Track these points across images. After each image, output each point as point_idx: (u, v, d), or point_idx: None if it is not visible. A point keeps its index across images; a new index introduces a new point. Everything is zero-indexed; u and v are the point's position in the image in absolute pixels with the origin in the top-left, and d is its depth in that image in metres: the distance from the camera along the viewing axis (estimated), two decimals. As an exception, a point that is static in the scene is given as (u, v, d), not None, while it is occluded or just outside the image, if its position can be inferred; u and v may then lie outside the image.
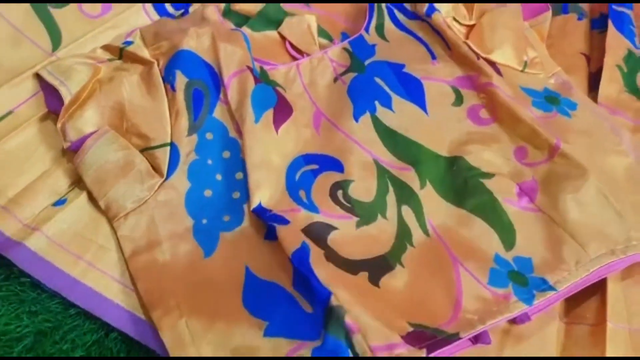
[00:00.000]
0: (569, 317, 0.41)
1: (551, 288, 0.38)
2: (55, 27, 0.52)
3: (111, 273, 0.42)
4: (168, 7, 0.56)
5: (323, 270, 0.37)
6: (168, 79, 0.47)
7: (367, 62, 0.52)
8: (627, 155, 0.46)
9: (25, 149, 0.47)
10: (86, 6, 0.53)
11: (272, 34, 0.56)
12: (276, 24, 0.57)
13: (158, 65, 0.48)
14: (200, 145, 0.46)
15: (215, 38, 0.49)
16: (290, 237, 0.39)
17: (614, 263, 0.39)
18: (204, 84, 0.47)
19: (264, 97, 0.48)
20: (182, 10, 0.56)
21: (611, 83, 0.53)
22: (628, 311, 0.40)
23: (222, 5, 0.58)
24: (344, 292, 0.36)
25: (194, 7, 0.57)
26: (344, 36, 0.57)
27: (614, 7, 0.57)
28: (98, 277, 0.41)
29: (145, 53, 0.49)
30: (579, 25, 0.59)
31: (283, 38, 0.56)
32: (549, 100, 0.49)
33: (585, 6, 0.61)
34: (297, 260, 0.38)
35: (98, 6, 0.54)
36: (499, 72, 0.50)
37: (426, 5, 0.52)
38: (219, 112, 0.47)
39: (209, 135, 0.46)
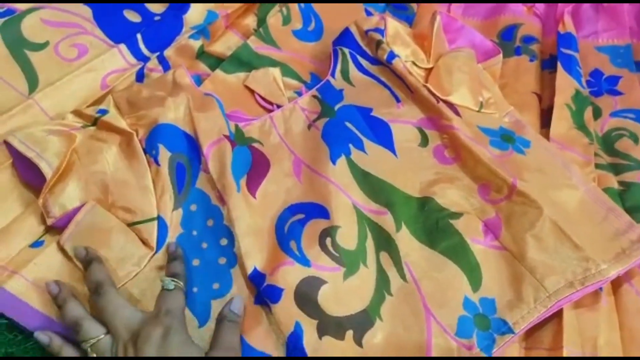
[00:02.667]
0: (528, 342, 0.44)
1: (510, 330, 0.41)
2: (32, 70, 0.53)
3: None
4: (143, 49, 0.57)
5: (317, 354, 0.40)
6: (151, 152, 0.48)
7: (336, 107, 0.54)
8: (577, 188, 0.49)
9: (1, 192, 0.47)
10: (62, 50, 0.55)
11: (245, 76, 0.58)
12: (248, 65, 0.59)
13: (137, 136, 0.49)
14: (185, 218, 0.47)
15: (191, 108, 0.50)
16: (284, 317, 0.41)
17: (572, 294, 0.42)
18: (185, 156, 0.48)
19: (240, 163, 0.49)
20: (157, 53, 0.58)
21: (561, 121, 0.56)
22: (582, 337, 0.43)
23: (196, 48, 0.60)
24: None
25: (168, 51, 0.58)
26: (313, 76, 0.60)
27: (562, 50, 0.62)
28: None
29: (122, 123, 0.50)
30: (530, 66, 0.63)
31: (251, 91, 0.58)
32: (505, 138, 0.52)
33: (535, 48, 0.65)
34: (293, 344, 0.40)
35: (74, 50, 0.55)
36: (457, 113, 0.52)
37: (387, 51, 0.55)
38: (200, 182, 0.48)
39: (193, 207, 0.47)
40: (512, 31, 0.67)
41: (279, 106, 0.56)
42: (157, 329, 0.38)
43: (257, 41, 0.61)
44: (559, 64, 0.60)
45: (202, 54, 0.61)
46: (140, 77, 0.57)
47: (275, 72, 0.58)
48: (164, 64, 0.58)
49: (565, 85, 0.59)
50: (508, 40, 0.66)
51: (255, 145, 0.52)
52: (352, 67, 0.58)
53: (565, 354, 0.41)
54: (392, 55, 0.55)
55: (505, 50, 0.62)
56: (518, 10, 0.68)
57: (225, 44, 0.61)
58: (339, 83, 0.57)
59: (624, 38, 0.67)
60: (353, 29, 0.59)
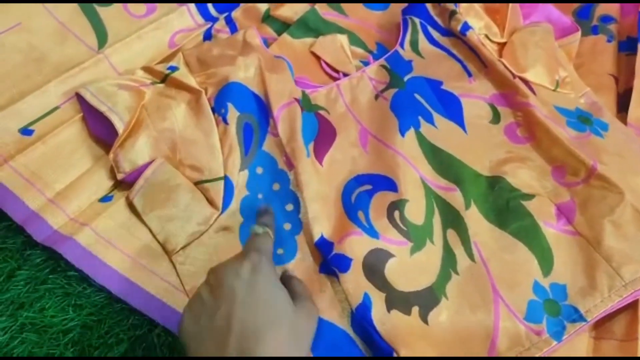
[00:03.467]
0: (598, 332, 0.43)
1: (582, 318, 0.40)
2: (101, 25, 0.53)
3: (159, 272, 0.43)
4: (211, 10, 0.57)
5: (384, 327, 0.39)
6: (219, 111, 0.47)
7: (406, 78, 0.53)
8: (655, 176, 0.47)
9: (70, 145, 0.48)
10: (131, 6, 0.54)
11: (312, 41, 0.57)
12: (315, 31, 0.58)
13: (206, 94, 0.48)
14: (251, 180, 0.46)
15: (262, 68, 0.49)
16: (353, 287, 0.40)
17: None
18: (254, 117, 0.48)
19: (309, 129, 0.48)
20: (225, 14, 0.57)
21: (640, 105, 0.54)
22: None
23: (262, 12, 0.58)
24: (405, 349, 0.38)
25: (236, 12, 0.57)
26: (379, 46, 0.58)
27: (643, 31, 0.59)
28: (144, 274, 0.42)
29: (192, 81, 0.49)
30: (608, 47, 0.60)
31: (317, 57, 0.56)
32: (582, 120, 0.50)
33: (613, 29, 0.62)
34: (360, 315, 0.39)
35: (143, 6, 0.55)
36: (533, 91, 0.50)
37: (461, 22, 0.53)
38: (267, 145, 0.47)
39: (259, 170, 0.47)
40: (589, 9, 0.64)
41: (345, 74, 0.54)
42: (246, 263, 0.35)
43: (324, 7, 0.59)
44: (639, 46, 0.57)
45: (268, 18, 0.60)
46: (207, 37, 0.56)
47: (343, 39, 0.56)
48: (231, 25, 0.57)
49: (645, 68, 0.56)
50: (585, 19, 0.63)
51: (322, 112, 0.51)
52: (422, 37, 0.56)
53: (639, 345, 0.40)
54: (466, 27, 0.53)
55: (582, 29, 0.59)
56: (595, -13, 0.65)
57: (292, 9, 0.60)
58: (408, 54, 0.55)
59: None
60: (425, -2, 0.57)
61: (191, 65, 0.50)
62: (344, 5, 0.60)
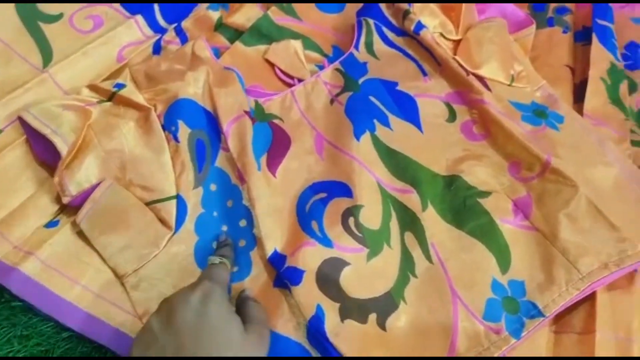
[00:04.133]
0: (558, 326, 0.43)
1: (540, 314, 0.40)
2: (46, 43, 0.52)
3: (109, 297, 0.41)
4: (160, 21, 0.55)
5: (338, 338, 0.38)
6: (170, 128, 0.46)
7: (360, 81, 0.52)
8: (612, 166, 0.47)
9: (14, 170, 0.46)
10: (77, 22, 0.53)
11: (265, 48, 0.56)
12: (268, 38, 0.57)
13: (155, 111, 0.47)
14: (206, 197, 0.45)
15: (210, 84, 0.48)
16: (305, 300, 0.40)
17: (607, 277, 0.40)
18: (205, 133, 0.47)
19: (261, 141, 0.48)
20: (175, 25, 0.56)
21: (596, 95, 0.54)
22: (615, 320, 0.41)
23: (214, 20, 0.58)
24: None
25: (186, 22, 0.56)
26: (335, 49, 0.58)
27: (598, 20, 0.59)
28: (94, 300, 0.41)
29: (140, 98, 0.48)
30: (563, 38, 0.60)
31: (271, 64, 0.55)
32: (537, 113, 0.50)
33: (569, 19, 0.62)
34: (314, 327, 0.39)
35: (89, 21, 0.54)
36: (487, 87, 0.50)
37: (414, 22, 0.53)
38: (220, 161, 0.47)
39: (213, 187, 0.46)
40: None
41: (300, 80, 0.54)
42: (197, 292, 0.34)
43: (277, 12, 0.58)
44: (593, 36, 0.58)
45: (220, 26, 0.59)
46: (157, 49, 0.55)
47: (297, 44, 0.56)
48: (182, 36, 0.56)
49: (600, 57, 0.56)
50: (540, 11, 0.63)
51: (276, 121, 0.50)
52: (376, 39, 0.55)
53: (597, 338, 0.40)
54: (419, 26, 0.53)
55: (537, 21, 0.59)
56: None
57: (244, 15, 0.59)
58: (363, 56, 0.55)
59: (662, 8, 0.63)
60: (379, -1, 0.57)
61: (139, 82, 0.49)
62: (297, 10, 0.59)
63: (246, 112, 0.48)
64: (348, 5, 0.61)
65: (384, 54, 0.55)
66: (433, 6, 0.55)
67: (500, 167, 0.47)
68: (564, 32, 0.61)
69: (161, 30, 0.56)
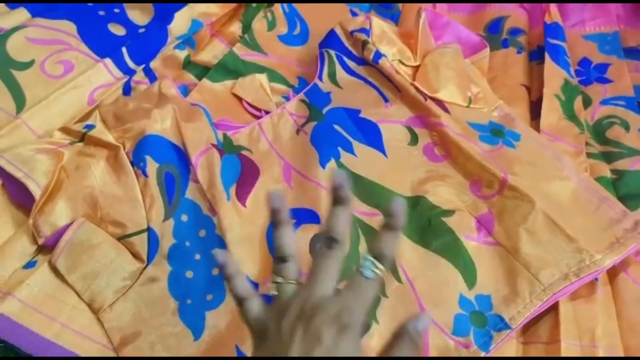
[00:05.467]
0: (525, 337, 0.44)
1: (507, 326, 0.41)
2: (19, 89, 0.53)
3: (87, 333, 0.42)
4: (129, 62, 0.57)
5: None
6: (138, 164, 0.48)
7: (324, 110, 0.54)
8: (569, 179, 0.49)
9: (-8, 214, 0.47)
10: (48, 67, 0.55)
11: (232, 83, 0.58)
12: (235, 73, 0.59)
13: (124, 149, 0.48)
14: (177, 228, 0.47)
15: (177, 119, 0.50)
16: None
17: (568, 287, 0.42)
18: (174, 166, 0.48)
19: (230, 172, 0.49)
20: (143, 66, 0.58)
21: (551, 112, 0.56)
22: (579, 329, 0.43)
23: (182, 59, 0.60)
24: None
25: (154, 62, 0.58)
26: (300, 80, 0.60)
27: (550, 40, 0.62)
28: (73, 337, 0.42)
29: (109, 137, 0.49)
30: (518, 58, 0.63)
31: (239, 98, 0.57)
32: (495, 133, 0.52)
33: (522, 40, 0.65)
34: None
35: (60, 67, 0.55)
36: (446, 110, 0.53)
37: (373, 51, 0.55)
38: (190, 192, 0.48)
39: (184, 217, 0.47)
40: (499, 24, 0.67)
41: (267, 112, 0.56)
42: (332, 327, 0.31)
43: (242, 48, 0.61)
44: (546, 55, 0.60)
45: (188, 64, 0.61)
46: (127, 90, 0.57)
47: (262, 78, 0.58)
48: (151, 76, 0.58)
49: (553, 75, 0.59)
50: (495, 34, 0.66)
51: (244, 153, 0.51)
52: (339, 68, 0.58)
53: (563, 347, 0.41)
54: (378, 55, 0.55)
55: (493, 44, 0.63)
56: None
57: (211, 53, 0.61)
58: (327, 86, 0.57)
59: (611, 25, 0.67)
60: (338, 30, 0.59)
61: (108, 122, 0.51)
62: (262, 44, 0.61)
63: (214, 145, 0.49)
64: (311, 38, 0.63)
65: (346, 83, 0.57)
66: (391, 34, 0.58)
67: (462, 186, 0.49)
68: (519, 52, 0.64)
69: (130, 72, 0.57)
